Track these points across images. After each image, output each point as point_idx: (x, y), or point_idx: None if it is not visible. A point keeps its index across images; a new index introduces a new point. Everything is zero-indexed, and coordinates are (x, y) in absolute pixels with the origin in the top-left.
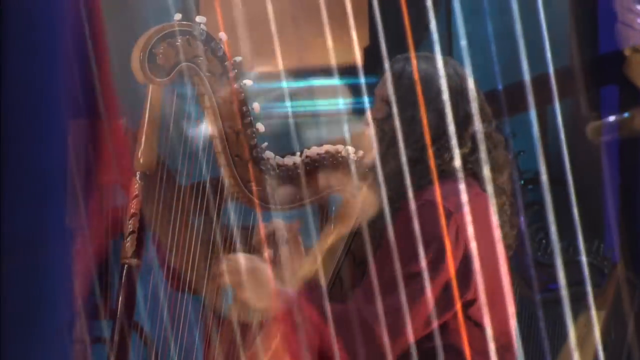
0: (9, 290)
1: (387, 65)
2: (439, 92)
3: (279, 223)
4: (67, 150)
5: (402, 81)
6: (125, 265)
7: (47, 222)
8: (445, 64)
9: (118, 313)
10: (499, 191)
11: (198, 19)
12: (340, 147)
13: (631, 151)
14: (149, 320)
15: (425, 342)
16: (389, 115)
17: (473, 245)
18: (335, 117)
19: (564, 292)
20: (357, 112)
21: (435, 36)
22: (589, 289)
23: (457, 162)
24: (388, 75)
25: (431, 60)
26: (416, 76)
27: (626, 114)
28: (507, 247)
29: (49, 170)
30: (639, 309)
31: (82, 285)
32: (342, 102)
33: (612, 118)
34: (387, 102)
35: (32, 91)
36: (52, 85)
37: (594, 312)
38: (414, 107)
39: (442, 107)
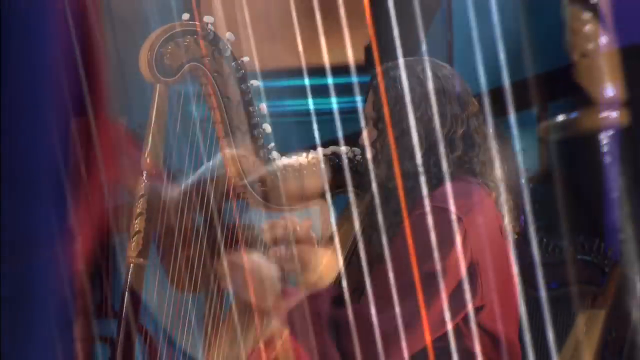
0: (3, 291)
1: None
2: (423, 100)
3: (292, 219)
4: (62, 150)
5: (387, 96)
6: (131, 265)
7: (37, 224)
8: (422, 66)
9: (123, 313)
10: (494, 185)
11: (206, 18)
12: (345, 148)
13: (632, 150)
14: (153, 321)
15: (435, 343)
16: (382, 133)
17: (482, 249)
18: (336, 117)
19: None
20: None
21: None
22: (542, 293)
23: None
24: (371, 94)
25: (409, 67)
26: (404, 84)
27: (574, 114)
28: (513, 234)
29: (40, 171)
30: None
31: (83, 285)
32: (342, 101)
33: (560, 118)
34: (376, 121)
35: (28, 92)
36: (48, 86)
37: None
38: (404, 120)
39: (430, 114)
